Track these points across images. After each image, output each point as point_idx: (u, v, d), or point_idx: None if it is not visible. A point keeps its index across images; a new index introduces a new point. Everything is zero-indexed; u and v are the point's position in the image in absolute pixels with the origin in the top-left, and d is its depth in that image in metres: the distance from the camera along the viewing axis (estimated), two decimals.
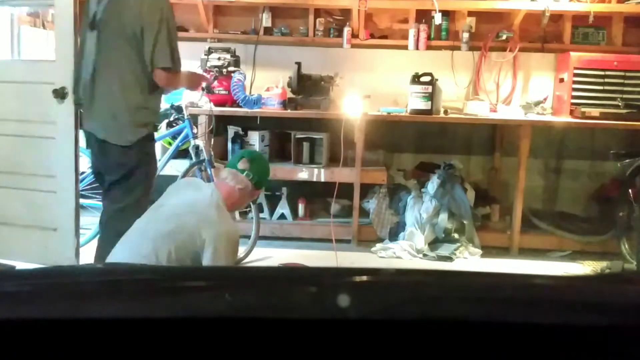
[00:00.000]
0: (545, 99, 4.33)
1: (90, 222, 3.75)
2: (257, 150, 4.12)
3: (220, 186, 2.24)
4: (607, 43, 4.45)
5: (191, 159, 3.67)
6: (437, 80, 4.09)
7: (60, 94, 2.93)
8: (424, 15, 4.45)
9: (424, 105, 4.02)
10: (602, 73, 4.03)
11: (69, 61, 2.88)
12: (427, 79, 4.07)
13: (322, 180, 4.06)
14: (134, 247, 2.07)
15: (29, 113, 3.05)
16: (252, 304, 0.58)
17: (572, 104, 4.01)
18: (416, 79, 4.07)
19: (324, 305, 0.57)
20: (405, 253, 3.80)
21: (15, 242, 3.13)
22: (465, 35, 4.44)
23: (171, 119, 3.73)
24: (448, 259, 3.77)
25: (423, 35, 4.43)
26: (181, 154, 3.85)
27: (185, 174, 3.56)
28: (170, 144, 3.79)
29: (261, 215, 4.13)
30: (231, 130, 4.15)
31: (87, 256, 3.27)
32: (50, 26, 4.20)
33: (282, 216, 4.18)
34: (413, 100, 4.05)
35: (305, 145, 4.10)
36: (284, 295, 0.59)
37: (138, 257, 1.98)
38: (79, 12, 2.88)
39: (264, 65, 4.51)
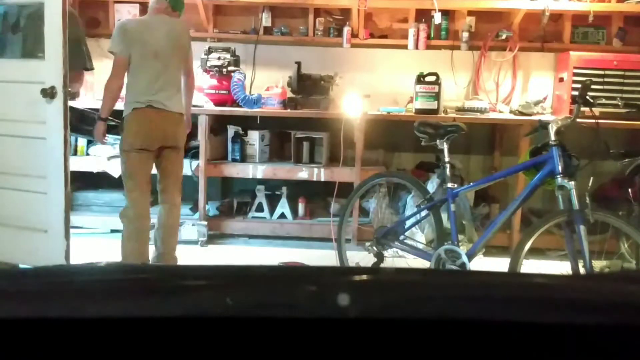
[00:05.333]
0: (544, 99, 4.33)
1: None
2: (257, 147, 4.14)
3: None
4: (606, 42, 4.45)
5: None
6: (441, 80, 4.11)
7: (49, 93, 2.87)
8: (423, 15, 4.45)
9: (429, 105, 4.03)
10: (601, 72, 4.02)
11: (59, 60, 2.84)
12: (432, 78, 4.08)
13: (322, 179, 4.06)
14: None
15: (19, 113, 3.00)
16: (252, 303, 0.58)
17: (572, 103, 4.00)
18: (421, 78, 4.07)
19: (323, 304, 0.57)
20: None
21: (6, 243, 3.09)
22: (465, 35, 4.44)
23: None
24: None
25: (423, 34, 4.43)
26: None
27: None
28: None
29: (261, 214, 4.13)
30: (231, 130, 4.15)
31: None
32: None
33: (282, 215, 4.19)
34: (419, 100, 4.07)
35: (305, 144, 4.10)
36: (283, 294, 0.59)
37: None
38: (67, 10, 2.87)
39: (264, 64, 4.51)
